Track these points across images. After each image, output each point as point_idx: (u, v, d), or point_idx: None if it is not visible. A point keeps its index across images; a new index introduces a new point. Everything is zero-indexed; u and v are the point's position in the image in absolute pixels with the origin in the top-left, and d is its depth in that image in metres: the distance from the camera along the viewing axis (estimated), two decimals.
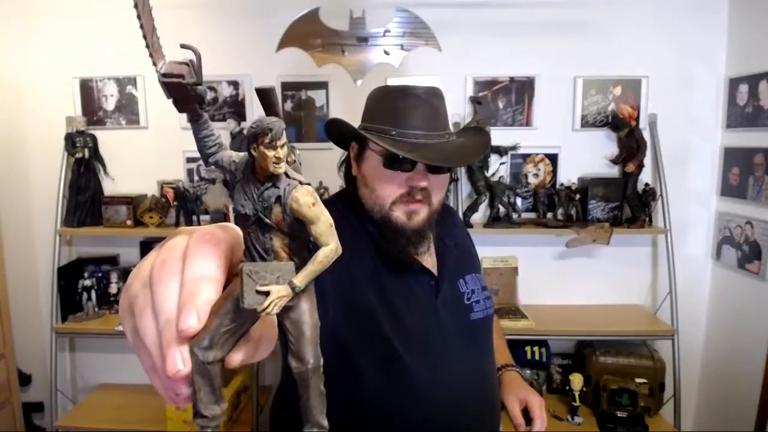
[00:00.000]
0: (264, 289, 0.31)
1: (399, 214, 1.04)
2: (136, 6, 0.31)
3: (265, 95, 0.35)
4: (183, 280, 0.32)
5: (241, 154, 0.35)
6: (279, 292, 0.31)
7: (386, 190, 1.04)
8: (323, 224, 0.33)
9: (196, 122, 0.34)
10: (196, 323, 0.30)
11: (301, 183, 0.33)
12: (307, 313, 0.34)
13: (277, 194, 0.33)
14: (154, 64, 0.32)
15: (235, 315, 0.32)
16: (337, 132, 1.14)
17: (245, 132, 0.33)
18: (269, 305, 0.31)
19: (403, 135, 1.01)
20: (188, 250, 0.33)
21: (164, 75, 0.32)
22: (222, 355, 0.33)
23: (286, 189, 0.33)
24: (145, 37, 0.33)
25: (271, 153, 0.31)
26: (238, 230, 0.36)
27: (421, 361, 0.98)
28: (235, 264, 0.35)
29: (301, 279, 0.32)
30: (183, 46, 0.33)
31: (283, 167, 0.32)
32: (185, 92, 0.33)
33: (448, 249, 1.16)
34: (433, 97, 1.05)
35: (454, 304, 1.09)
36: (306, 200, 0.32)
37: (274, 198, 0.33)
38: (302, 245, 0.34)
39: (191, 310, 0.30)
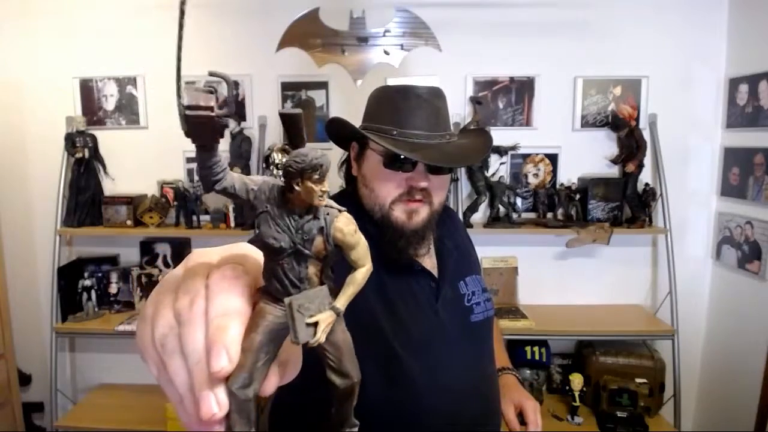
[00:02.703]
0: (313, 320, 0.31)
1: (399, 213, 1.03)
2: (180, 45, 0.30)
3: (291, 120, 0.33)
4: (208, 318, 0.31)
5: (258, 179, 0.33)
6: (326, 320, 0.31)
7: (386, 190, 1.03)
8: (362, 248, 0.33)
9: (208, 152, 0.30)
10: (228, 363, 0.29)
11: (339, 211, 0.33)
12: (340, 331, 0.34)
13: (319, 225, 0.32)
14: (180, 96, 0.29)
15: (269, 347, 0.32)
16: (338, 131, 1.14)
17: (284, 163, 0.32)
18: (321, 335, 0.31)
19: (404, 135, 1.01)
20: (210, 288, 0.32)
21: (188, 107, 0.29)
22: (259, 387, 0.32)
23: (327, 219, 0.32)
24: (180, 69, 0.31)
25: (318, 187, 0.31)
26: (255, 256, 0.36)
27: (422, 363, 0.98)
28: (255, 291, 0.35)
29: (342, 302, 0.33)
30: (212, 74, 0.32)
31: (326, 199, 0.32)
32: (210, 125, 0.29)
33: (448, 251, 1.15)
34: (434, 97, 1.05)
35: (454, 306, 1.08)
36: (349, 229, 0.33)
37: (317, 229, 0.32)
38: (328, 267, 0.34)
39: (221, 350, 0.29)
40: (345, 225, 0.33)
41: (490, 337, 1.17)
